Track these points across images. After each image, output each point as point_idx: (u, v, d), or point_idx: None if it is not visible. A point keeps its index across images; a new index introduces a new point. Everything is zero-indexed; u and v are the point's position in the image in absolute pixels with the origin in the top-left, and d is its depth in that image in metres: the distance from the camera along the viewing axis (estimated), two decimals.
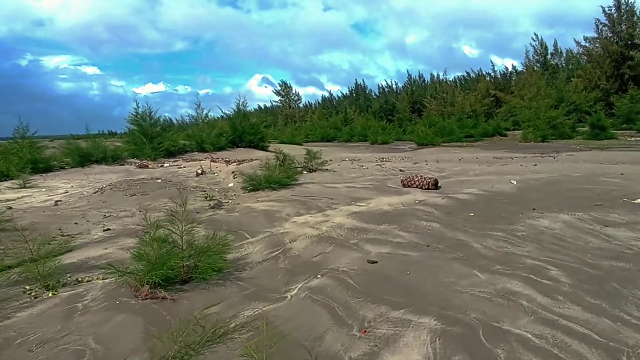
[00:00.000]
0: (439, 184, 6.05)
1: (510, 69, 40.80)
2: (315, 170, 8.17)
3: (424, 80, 47.16)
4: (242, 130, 12.80)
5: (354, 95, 51.79)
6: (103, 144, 10.21)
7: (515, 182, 5.94)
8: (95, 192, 5.90)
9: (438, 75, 42.96)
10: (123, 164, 9.78)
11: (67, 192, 6.26)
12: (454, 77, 43.65)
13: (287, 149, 16.44)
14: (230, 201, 5.37)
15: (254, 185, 6.16)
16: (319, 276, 2.75)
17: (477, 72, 41.59)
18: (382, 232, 3.66)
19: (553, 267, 2.66)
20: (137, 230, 3.91)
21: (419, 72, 41.27)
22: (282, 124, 44.52)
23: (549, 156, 9.59)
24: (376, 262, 2.96)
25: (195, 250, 2.71)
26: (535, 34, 38.10)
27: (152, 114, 12.54)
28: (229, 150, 12.08)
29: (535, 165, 7.92)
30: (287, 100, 51.67)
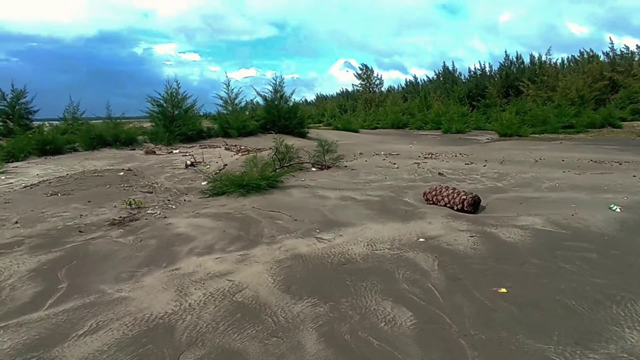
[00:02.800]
0: (480, 203, 3.85)
1: (632, 48, 33.21)
2: (328, 168, 6.30)
3: (522, 62, 41.27)
4: (278, 114, 11.29)
5: (441, 79, 47.48)
6: (122, 126, 9.51)
7: (618, 210, 3.48)
8: (26, 187, 4.86)
9: (540, 56, 36.90)
10: (134, 149, 8.95)
11: (12, 183, 5.34)
12: (560, 58, 37.07)
13: (335, 136, 14.59)
14: (157, 212, 3.85)
15: (217, 188, 4.56)
16: None
17: (589, 52, 34.67)
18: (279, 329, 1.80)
19: None
20: None
21: (517, 52, 35.67)
22: (361, 109, 42.64)
23: None
24: None
25: None
26: None
27: (180, 94, 11.70)
28: (258, 137, 10.70)
29: None
30: (368, 84, 49.58)
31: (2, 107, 12.08)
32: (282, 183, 5.03)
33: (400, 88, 45.90)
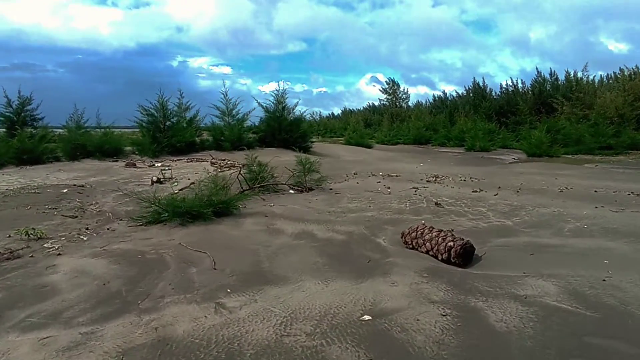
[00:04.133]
0: (474, 252, 2.86)
1: None
2: (310, 190, 5.40)
3: (556, 79, 39.29)
4: (279, 126, 10.52)
5: (471, 94, 45.91)
6: (112, 135, 8.99)
7: None
8: None
9: (575, 72, 34.89)
10: (117, 161, 8.36)
11: None
12: (598, 74, 34.88)
13: (344, 152, 13.68)
14: (54, 247, 3.05)
15: (150, 216, 3.75)
16: None
17: (631, 69, 32.36)
18: None
19: None
20: None
21: (551, 69, 33.78)
22: (387, 124, 41.80)
23: None
24: None
25: None
26: None
27: (183, 104, 11.16)
28: (255, 150, 9.93)
29: None
30: (394, 99, 48.87)
31: (8, 114, 11.91)
32: (238, 210, 4.16)
33: (428, 103, 44.59)
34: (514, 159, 14.65)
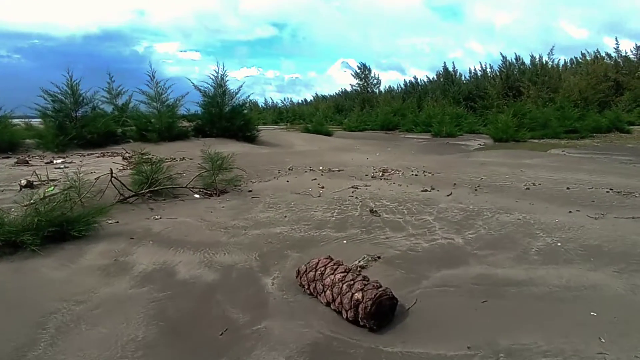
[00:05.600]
0: (396, 306, 1.79)
1: (633, 50, 31.18)
2: (222, 193, 4.25)
3: (522, 63, 39.43)
4: (219, 113, 9.21)
5: (441, 79, 45.57)
6: (7, 126, 7.44)
7: None
8: None
9: (540, 57, 34.93)
10: (9, 157, 6.89)
11: None
12: (562, 59, 35.12)
13: (298, 140, 12.53)
14: None
15: None
16: None
17: (592, 53, 32.61)
18: None
19: None
20: None
21: (516, 54, 33.70)
22: (359, 109, 40.87)
23: None
24: None
25: None
26: None
27: (114, 89, 9.67)
28: (189, 142, 8.62)
29: None
30: (366, 84, 47.92)
31: None
32: (94, 229, 2.97)
33: (399, 89, 43.96)
34: (480, 144, 14.00)
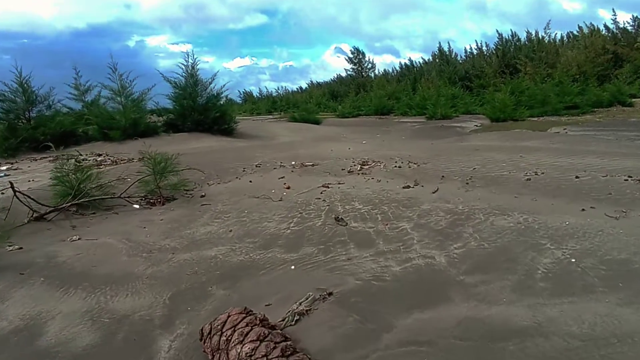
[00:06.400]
0: None
1: (630, 22, 30.18)
2: (166, 201, 3.59)
3: (518, 40, 38.34)
4: (192, 106, 8.47)
5: (437, 60, 44.47)
6: None
7: None
8: None
9: (537, 32, 33.87)
10: None
11: None
12: (559, 34, 34.09)
13: (283, 130, 11.80)
14: None
15: None
16: None
17: (589, 26, 31.51)
18: None
19: None
20: None
21: (511, 30, 32.74)
22: (353, 95, 39.94)
23: None
24: None
25: None
26: None
27: (82, 84, 8.91)
28: (159, 138, 7.91)
29: None
30: (360, 69, 46.84)
31: None
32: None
33: (394, 72, 42.94)
34: (476, 125, 13.28)
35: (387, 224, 2.68)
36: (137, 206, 3.55)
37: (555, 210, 2.70)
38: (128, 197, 3.52)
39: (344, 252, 2.30)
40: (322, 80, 44.86)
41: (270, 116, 27.19)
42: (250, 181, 4.26)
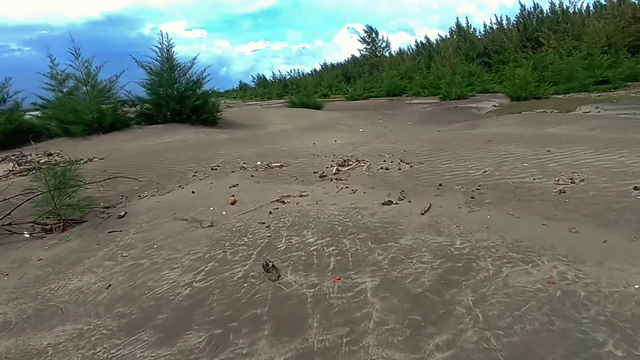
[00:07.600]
0: None
1: None
2: (64, 228, 2.69)
3: (541, 11, 35.75)
4: (168, 94, 7.54)
5: (455, 37, 42.20)
6: None
7: None
8: None
9: (561, 2, 31.34)
10: None
11: None
12: (584, 4, 31.54)
13: (276, 117, 10.77)
14: None
15: None
16: None
17: None
18: None
19: None
20: None
21: (533, 2, 30.57)
22: (367, 75, 38.35)
23: None
24: None
25: None
26: None
27: (59, 73, 8.07)
28: (130, 132, 7.04)
29: None
30: (374, 48, 45.00)
31: None
32: None
33: (410, 50, 41.12)
34: (494, 106, 12.01)
35: (339, 279, 1.71)
36: (27, 235, 2.67)
37: (611, 255, 1.67)
38: (9, 224, 2.63)
39: (247, 347, 1.35)
40: (336, 62, 43.57)
41: (281, 101, 26.12)
42: (193, 192, 3.32)
